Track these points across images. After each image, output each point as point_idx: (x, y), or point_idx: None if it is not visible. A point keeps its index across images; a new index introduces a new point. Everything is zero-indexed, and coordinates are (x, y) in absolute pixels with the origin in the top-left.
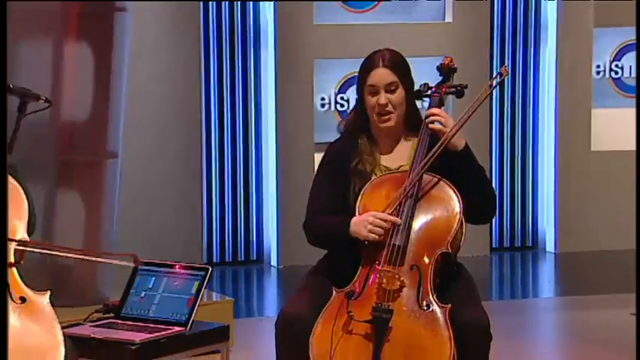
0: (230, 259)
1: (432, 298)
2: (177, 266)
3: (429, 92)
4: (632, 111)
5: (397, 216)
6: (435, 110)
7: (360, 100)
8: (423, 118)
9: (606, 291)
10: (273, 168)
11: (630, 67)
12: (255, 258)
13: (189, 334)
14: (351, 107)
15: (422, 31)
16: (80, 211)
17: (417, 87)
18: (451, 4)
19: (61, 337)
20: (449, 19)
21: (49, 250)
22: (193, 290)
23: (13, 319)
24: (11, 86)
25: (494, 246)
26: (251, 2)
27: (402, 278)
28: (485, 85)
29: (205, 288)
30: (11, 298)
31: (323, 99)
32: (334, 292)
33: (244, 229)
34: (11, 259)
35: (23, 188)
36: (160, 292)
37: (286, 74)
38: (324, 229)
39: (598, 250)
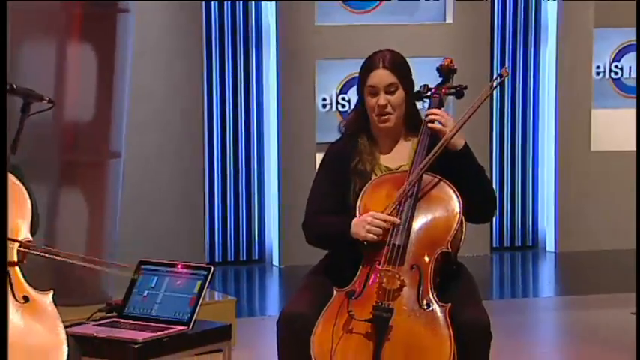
0: (232, 259)
1: (432, 297)
2: (179, 265)
3: (429, 93)
4: (632, 111)
5: (397, 216)
6: (434, 110)
7: (361, 100)
8: (423, 118)
9: (606, 290)
10: (274, 168)
11: (630, 67)
12: (257, 257)
13: (192, 333)
14: (352, 108)
15: (423, 32)
16: (83, 210)
17: (417, 88)
18: (452, 5)
19: (63, 336)
20: (449, 19)
21: (49, 253)
22: (196, 289)
23: (17, 318)
24: (15, 87)
25: (494, 245)
26: (253, 2)
27: (402, 277)
28: (485, 86)
29: (207, 287)
30: (14, 297)
31: (324, 99)
32: (335, 291)
33: (246, 229)
34: (14, 258)
35: (27, 188)
36: (163, 291)
37: (288, 75)
38: (324, 229)
39: (598, 250)
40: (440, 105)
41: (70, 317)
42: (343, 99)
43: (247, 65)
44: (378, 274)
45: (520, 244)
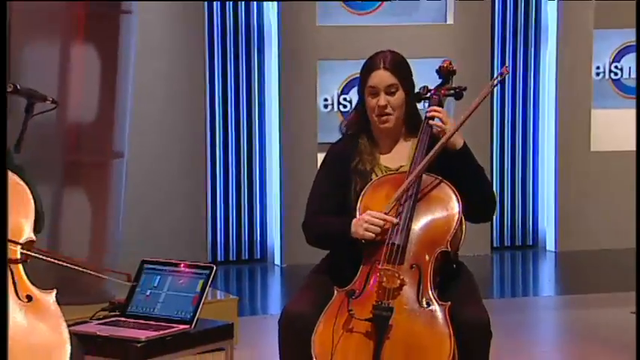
0: (234, 258)
1: (432, 296)
2: (182, 265)
3: (428, 95)
4: (632, 112)
5: (397, 215)
6: (435, 107)
7: (361, 100)
8: (423, 119)
9: (606, 289)
10: (276, 168)
11: (630, 68)
12: (258, 257)
13: (194, 332)
14: (353, 108)
15: (423, 33)
16: (86, 210)
17: (417, 89)
18: (452, 6)
19: (66, 335)
20: (450, 20)
21: (49, 256)
22: (198, 288)
23: (20, 317)
24: (18, 87)
25: (495, 245)
26: (255, 3)
27: (402, 277)
28: (486, 85)
29: (210, 286)
30: (18, 296)
31: (326, 100)
32: (335, 291)
33: (248, 229)
34: (17, 256)
35: (32, 187)
36: (165, 290)
37: (290, 75)
38: (324, 229)
39: (598, 249)
40: (439, 106)
41: (73, 316)
42: (344, 99)
43: (249, 65)
44: (378, 274)
45: (520, 243)
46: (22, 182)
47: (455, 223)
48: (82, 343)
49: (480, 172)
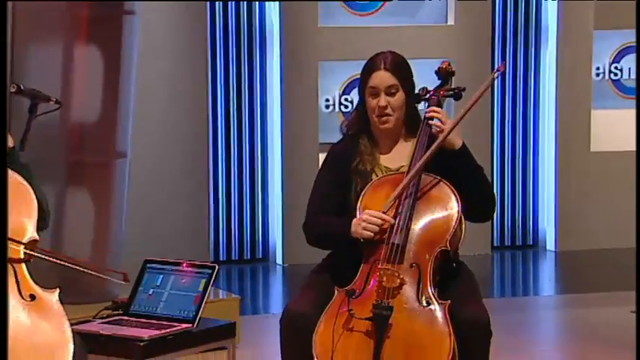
0: (236, 258)
1: (431, 295)
2: (184, 264)
3: (428, 96)
4: (631, 112)
5: (396, 215)
6: (435, 108)
7: (362, 101)
8: (423, 119)
9: (606, 289)
10: (278, 168)
11: (630, 69)
12: (260, 256)
13: (197, 331)
14: (353, 108)
15: (424, 34)
16: (90, 210)
17: (417, 89)
18: (453, 6)
19: (70, 334)
20: (451, 21)
21: (51, 256)
22: (200, 288)
23: (23, 317)
24: (22, 88)
25: (495, 244)
26: (257, 3)
27: (401, 276)
28: (484, 82)
29: (212, 286)
30: (21, 295)
31: (327, 100)
32: (336, 291)
33: (250, 228)
34: (21, 255)
35: (36, 185)
36: (168, 289)
37: (291, 76)
38: (325, 229)
39: (598, 249)
40: (438, 107)
41: (77, 315)
42: (346, 100)
43: (251, 66)
44: (378, 273)
45: (521, 243)
46: (25, 182)
47: (454, 223)
48: (85, 341)
49: (480, 172)
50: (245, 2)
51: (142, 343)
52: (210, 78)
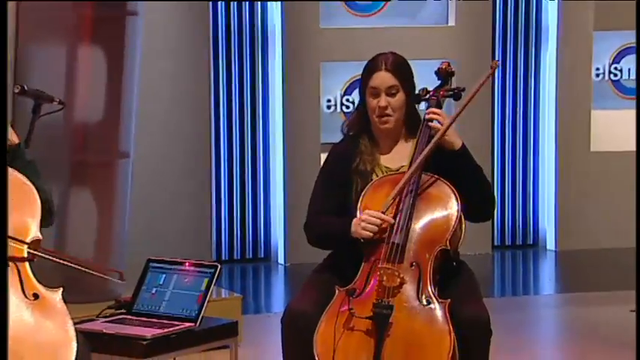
0: (238, 257)
1: (431, 294)
2: (187, 264)
3: (427, 96)
4: (631, 112)
5: (396, 214)
6: (434, 109)
7: (362, 101)
8: (422, 119)
9: (606, 288)
10: (280, 168)
11: (629, 69)
12: (262, 256)
13: (199, 329)
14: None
15: (425, 35)
16: (93, 210)
17: (418, 90)
18: (454, 7)
19: (73, 333)
20: (452, 22)
21: (54, 256)
22: (203, 287)
23: (26, 316)
24: (26, 88)
25: (495, 244)
26: (259, 3)
27: (401, 275)
28: (479, 79)
29: (214, 285)
30: (24, 294)
31: (329, 101)
32: (337, 290)
33: (252, 228)
34: (24, 254)
35: (41, 183)
36: (171, 288)
37: (293, 76)
38: (325, 229)
39: (598, 249)
40: (438, 107)
41: (80, 314)
42: (347, 100)
43: (253, 66)
44: (378, 273)
45: (521, 242)
46: (28, 182)
47: (454, 222)
48: (88, 340)
49: (479, 172)
50: (247, 3)
51: (144, 342)
52: (213, 78)
